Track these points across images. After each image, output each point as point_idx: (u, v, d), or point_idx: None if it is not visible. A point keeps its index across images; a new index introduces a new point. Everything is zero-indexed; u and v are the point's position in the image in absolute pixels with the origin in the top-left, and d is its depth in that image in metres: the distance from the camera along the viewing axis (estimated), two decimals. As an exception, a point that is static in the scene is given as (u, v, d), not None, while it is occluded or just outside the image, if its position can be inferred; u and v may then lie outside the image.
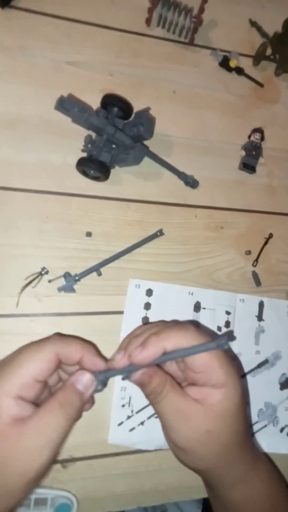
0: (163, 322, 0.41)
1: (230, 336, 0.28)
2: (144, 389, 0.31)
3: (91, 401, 0.35)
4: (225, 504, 0.36)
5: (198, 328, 0.32)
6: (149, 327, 0.35)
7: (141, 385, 0.31)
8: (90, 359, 0.32)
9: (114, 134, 0.40)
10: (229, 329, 0.47)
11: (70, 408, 0.29)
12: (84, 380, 0.31)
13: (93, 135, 0.43)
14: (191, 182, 0.46)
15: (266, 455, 0.40)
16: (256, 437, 0.46)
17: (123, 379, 0.31)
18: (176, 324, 0.34)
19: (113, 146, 0.42)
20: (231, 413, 0.30)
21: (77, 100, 0.44)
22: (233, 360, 0.31)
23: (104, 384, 0.32)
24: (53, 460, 0.29)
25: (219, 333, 0.46)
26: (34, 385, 0.30)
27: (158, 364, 0.32)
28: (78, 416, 0.30)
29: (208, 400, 0.30)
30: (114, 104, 0.43)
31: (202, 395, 0.30)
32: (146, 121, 0.41)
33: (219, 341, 0.28)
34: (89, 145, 0.42)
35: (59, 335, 0.34)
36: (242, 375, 0.47)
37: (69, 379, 0.31)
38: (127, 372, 0.31)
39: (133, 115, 0.44)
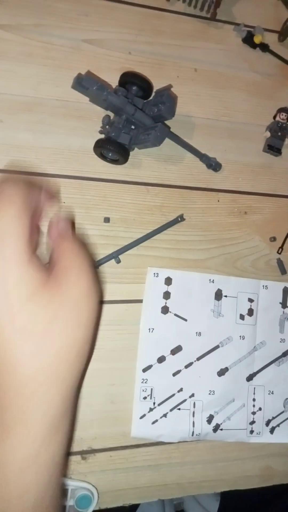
0: None
1: None
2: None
3: None
4: None
5: None
6: None
7: None
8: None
9: (134, 114, 0.39)
10: (252, 315, 0.45)
11: None
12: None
13: (111, 115, 0.41)
14: (213, 165, 0.44)
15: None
16: (282, 427, 0.45)
17: None
18: None
19: (132, 127, 0.40)
20: None
21: (96, 78, 0.42)
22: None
23: None
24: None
25: (242, 322, 0.45)
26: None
27: None
28: None
29: None
30: (133, 83, 0.41)
31: None
32: (168, 100, 0.39)
33: None
34: (107, 126, 0.40)
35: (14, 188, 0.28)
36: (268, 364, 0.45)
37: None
38: None
39: (153, 94, 0.42)
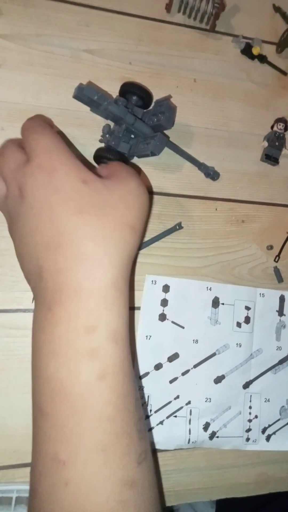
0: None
1: None
2: None
3: None
4: None
5: None
6: None
7: None
8: None
9: (134, 124, 0.39)
10: (248, 323, 0.45)
11: None
12: None
13: (112, 124, 0.41)
14: (211, 174, 0.45)
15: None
16: (278, 435, 0.45)
17: None
18: None
19: (132, 136, 0.41)
20: None
21: (96, 88, 0.42)
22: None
23: None
24: None
25: (238, 329, 0.45)
26: None
27: None
28: None
29: None
30: (133, 93, 0.41)
31: None
32: (167, 110, 0.40)
33: None
34: (107, 135, 0.41)
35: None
36: (264, 372, 0.45)
37: None
38: None
39: (153, 104, 0.43)
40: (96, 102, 0.38)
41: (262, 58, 0.49)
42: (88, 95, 0.37)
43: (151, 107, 0.43)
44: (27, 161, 0.29)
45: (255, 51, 0.48)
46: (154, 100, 0.43)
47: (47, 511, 0.26)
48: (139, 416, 0.29)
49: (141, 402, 0.41)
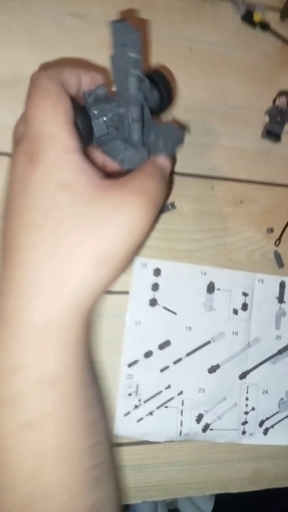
0: None
1: None
2: None
3: None
4: None
5: None
6: None
7: None
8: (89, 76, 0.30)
9: (133, 121, 0.30)
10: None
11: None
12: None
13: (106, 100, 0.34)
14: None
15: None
16: (276, 428, 0.43)
17: None
18: None
19: (117, 129, 0.31)
20: None
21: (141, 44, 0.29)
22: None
23: None
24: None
25: (235, 317, 0.42)
26: None
27: None
28: None
29: None
30: (159, 88, 0.31)
31: None
32: (172, 142, 0.32)
33: None
34: (91, 97, 0.30)
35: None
36: (262, 362, 0.43)
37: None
38: None
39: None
40: (132, 60, 0.28)
41: (264, 26, 0.45)
42: (129, 45, 0.27)
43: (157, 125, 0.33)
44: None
45: (257, 17, 0.45)
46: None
47: None
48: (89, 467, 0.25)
49: (129, 392, 0.39)
